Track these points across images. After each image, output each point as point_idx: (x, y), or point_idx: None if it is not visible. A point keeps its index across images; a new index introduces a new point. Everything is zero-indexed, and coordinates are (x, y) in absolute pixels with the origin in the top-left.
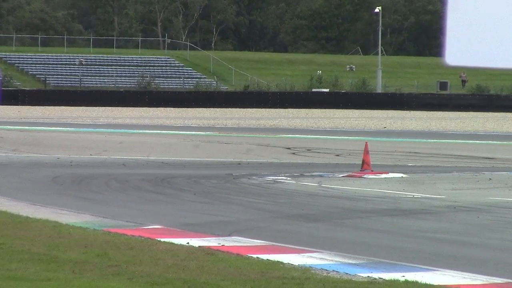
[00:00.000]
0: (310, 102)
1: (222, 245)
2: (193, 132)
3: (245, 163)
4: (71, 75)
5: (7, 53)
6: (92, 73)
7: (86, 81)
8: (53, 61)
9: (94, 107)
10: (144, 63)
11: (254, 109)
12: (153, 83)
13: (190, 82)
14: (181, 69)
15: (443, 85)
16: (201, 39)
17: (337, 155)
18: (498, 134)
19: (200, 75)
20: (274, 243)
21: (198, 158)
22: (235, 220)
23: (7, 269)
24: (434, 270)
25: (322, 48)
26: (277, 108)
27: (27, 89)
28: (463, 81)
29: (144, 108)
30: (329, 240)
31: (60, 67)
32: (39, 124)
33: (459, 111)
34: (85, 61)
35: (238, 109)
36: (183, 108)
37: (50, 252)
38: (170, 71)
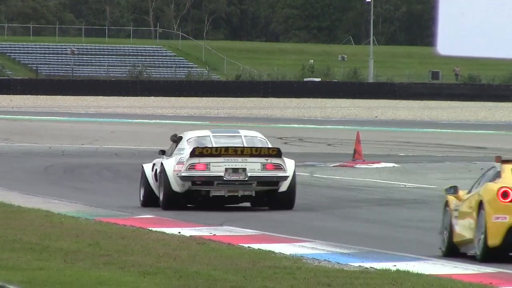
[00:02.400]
0: (302, 91)
1: (214, 234)
2: (185, 122)
3: None
4: (62, 64)
5: None
6: (83, 62)
7: (78, 70)
8: (45, 50)
9: (85, 97)
10: (136, 52)
11: (246, 99)
12: (144, 73)
13: (182, 71)
14: (172, 59)
15: (435, 75)
16: (193, 29)
17: (329, 145)
18: (490, 123)
19: (192, 64)
20: (265, 233)
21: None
22: (227, 210)
23: None
24: (426, 259)
25: (314, 37)
26: (268, 97)
27: (19, 78)
28: (457, 75)
29: (136, 98)
30: (321, 230)
31: (51, 56)
32: (31, 114)
33: (451, 100)
34: (76, 51)
35: (229, 98)
36: (175, 98)
37: (42, 241)
38: (161, 61)
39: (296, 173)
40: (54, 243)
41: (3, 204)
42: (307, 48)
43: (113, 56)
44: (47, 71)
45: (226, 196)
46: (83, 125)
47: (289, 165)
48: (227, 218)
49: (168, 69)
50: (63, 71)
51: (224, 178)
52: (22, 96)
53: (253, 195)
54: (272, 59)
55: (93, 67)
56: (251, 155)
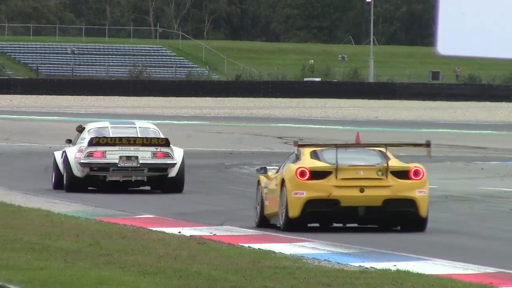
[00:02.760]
0: (302, 91)
1: (214, 234)
2: (185, 122)
3: (236, 153)
4: (63, 64)
5: None
6: (84, 62)
7: (78, 70)
8: (45, 50)
9: (86, 96)
10: (136, 52)
11: (246, 99)
12: (145, 72)
13: (182, 71)
14: (173, 59)
15: (435, 75)
16: (193, 28)
17: None
18: (490, 123)
19: (192, 64)
20: (265, 233)
21: (190, 147)
22: (227, 209)
23: None
24: (426, 259)
25: (314, 37)
26: (269, 97)
27: (19, 78)
28: (457, 76)
29: (136, 98)
30: (321, 230)
31: (52, 56)
32: (31, 113)
33: (451, 100)
34: (77, 50)
35: (230, 98)
36: (175, 98)
37: (42, 241)
38: (162, 61)
39: None
40: (54, 242)
41: (3, 203)
42: (307, 48)
43: (113, 56)
44: (48, 71)
45: (121, 180)
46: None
47: (177, 153)
48: (227, 218)
49: (168, 69)
50: (63, 71)
51: (119, 165)
52: (22, 96)
53: (145, 180)
54: (272, 59)
55: (93, 66)
56: (143, 145)
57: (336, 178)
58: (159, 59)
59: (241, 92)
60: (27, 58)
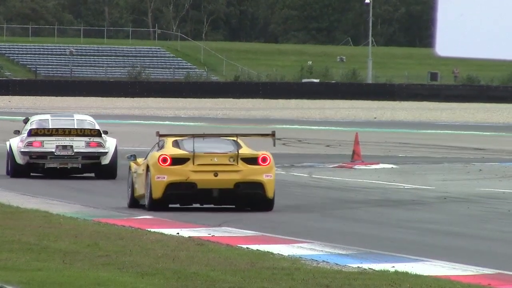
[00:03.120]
0: (301, 92)
1: (212, 235)
2: (184, 123)
3: None
4: (61, 65)
5: None
6: (82, 63)
7: (77, 71)
8: (44, 51)
9: (84, 97)
10: (135, 53)
11: (245, 100)
12: (143, 74)
13: (181, 72)
14: (171, 60)
15: (433, 76)
16: (192, 30)
17: (328, 146)
18: (488, 125)
19: (191, 65)
20: (264, 234)
21: None
22: (225, 210)
23: None
24: (424, 260)
25: (313, 38)
26: (267, 98)
27: (18, 79)
28: (456, 77)
29: (135, 99)
30: (319, 231)
31: (50, 57)
32: (29, 114)
33: (449, 101)
34: (75, 51)
35: (228, 99)
36: (174, 99)
37: (41, 242)
38: (160, 62)
39: (293, 174)
40: (52, 243)
41: (1, 204)
42: (306, 49)
43: (112, 57)
44: (46, 71)
45: (58, 167)
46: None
47: (110, 143)
48: (225, 219)
49: (167, 70)
50: (62, 72)
51: (55, 153)
52: (21, 97)
53: (80, 167)
54: (271, 60)
55: (92, 68)
56: (77, 135)
57: (193, 164)
58: (158, 60)
59: (239, 93)
60: (25, 59)
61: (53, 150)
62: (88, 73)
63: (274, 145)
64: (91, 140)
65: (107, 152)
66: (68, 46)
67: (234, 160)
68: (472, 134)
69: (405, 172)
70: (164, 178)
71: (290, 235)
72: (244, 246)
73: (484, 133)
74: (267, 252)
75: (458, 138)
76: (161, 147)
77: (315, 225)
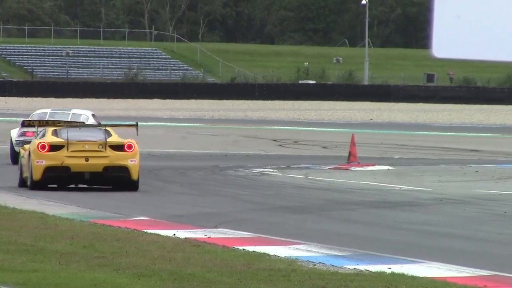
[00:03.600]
0: (297, 94)
1: (209, 236)
2: (180, 124)
3: (231, 155)
4: (58, 66)
5: None
6: (79, 64)
7: (73, 72)
8: (40, 52)
9: (81, 99)
10: (131, 54)
11: (241, 101)
12: (140, 75)
13: (177, 73)
14: (168, 61)
15: (430, 77)
16: (188, 31)
17: (324, 147)
18: (484, 126)
19: (187, 66)
20: (260, 235)
21: (185, 149)
22: (222, 212)
23: None
24: (420, 262)
25: (309, 39)
26: (263, 100)
27: (14, 80)
28: (451, 79)
29: (131, 100)
30: (316, 232)
31: (47, 58)
32: (26, 116)
33: (446, 103)
34: (72, 52)
35: (225, 100)
36: (170, 100)
37: (37, 243)
38: (157, 63)
39: (290, 175)
40: (49, 245)
41: None
42: (302, 50)
43: (108, 58)
44: (43, 73)
45: None
46: None
47: None
48: (222, 220)
49: (163, 71)
50: (58, 73)
51: None
52: (17, 98)
53: None
54: (267, 61)
55: (88, 69)
56: (66, 127)
57: (68, 150)
58: (154, 62)
59: (236, 95)
60: (22, 60)
61: None
62: (85, 74)
63: (137, 134)
64: None
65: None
66: (64, 47)
67: (103, 147)
68: (468, 136)
69: (401, 173)
70: (42, 162)
71: (286, 237)
72: (241, 248)
73: (481, 134)
74: (264, 253)
75: (455, 139)
76: (42, 135)
77: (311, 226)
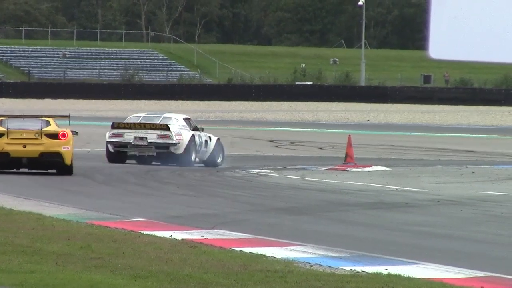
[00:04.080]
0: (294, 95)
1: (205, 238)
2: None
3: (228, 156)
4: (55, 67)
5: None
6: (75, 65)
7: (70, 73)
8: (37, 53)
9: (77, 100)
10: (128, 55)
11: (238, 102)
12: (136, 76)
13: (174, 75)
14: (164, 62)
15: (426, 79)
16: (185, 32)
17: (321, 148)
18: (481, 127)
19: (184, 67)
20: (257, 236)
21: None
22: (218, 213)
23: None
24: (417, 263)
25: (306, 41)
26: (260, 101)
27: (11, 81)
28: (447, 81)
29: (128, 101)
30: (312, 233)
31: (44, 59)
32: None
33: (442, 104)
34: (68, 54)
35: (221, 102)
36: (167, 101)
37: (34, 244)
38: (153, 64)
39: (286, 176)
40: (45, 246)
41: None
42: (299, 51)
43: (105, 59)
44: (39, 74)
45: (138, 155)
46: (75, 128)
47: (184, 135)
48: (218, 222)
49: (160, 72)
50: (55, 74)
51: (133, 143)
52: (14, 99)
53: (155, 155)
54: (264, 62)
55: (85, 70)
56: (150, 129)
57: (7, 137)
58: (151, 63)
59: (232, 96)
60: (19, 61)
61: (131, 140)
62: (82, 75)
63: (69, 124)
64: (162, 133)
65: (175, 144)
66: (61, 49)
67: (39, 135)
68: (465, 137)
69: (398, 174)
70: None
71: (283, 238)
72: (237, 249)
73: (477, 135)
74: (260, 254)
75: (451, 140)
76: None
77: (308, 227)
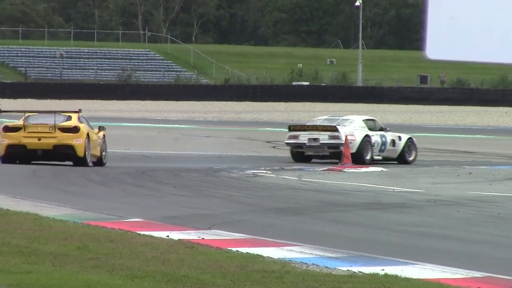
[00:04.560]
0: (290, 95)
1: (202, 238)
2: (174, 125)
3: (225, 157)
4: (51, 68)
5: None
6: (72, 66)
7: (67, 74)
8: (34, 53)
9: (74, 100)
10: (125, 56)
11: (235, 102)
12: (133, 76)
13: (171, 75)
14: (161, 62)
15: (423, 79)
16: (182, 32)
17: None
18: (478, 128)
19: (181, 68)
20: (254, 237)
21: (179, 151)
22: (215, 213)
23: None
24: (414, 263)
25: (303, 41)
26: (257, 101)
27: (8, 81)
28: (442, 82)
29: (125, 101)
30: (309, 234)
31: (41, 59)
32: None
33: (439, 104)
34: (65, 54)
35: (218, 102)
36: (164, 101)
37: (30, 244)
38: (150, 64)
39: (283, 177)
40: (42, 246)
41: None
42: (296, 52)
43: (102, 60)
44: (36, 74)
45: (313, 154)
46: None
47: (351, 136)
48: (215, 222)
49: (156, 72)
50: (52, 75)
51: (307, 144)
52: (11, 99)
53: (328, 154)
54: (261, 62)
55: (82, 70)
56: (322, 130)
57: (24, 131)
58: (148, 63)
59: (229, 96)
60: (15, 61)
61: (306, 141)
62: (78, 75)
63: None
64: (332, 134)
65: (343, 143)
66: (58, 49)
67: (53, 129)
68: (462, 137)
69: (395, 175)
70: (5, 141)
71: (279, 238)
72: (234, 249)
73: (474, 136)
74: (257, 255)
75: (448, 141)
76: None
77: (305, 228)
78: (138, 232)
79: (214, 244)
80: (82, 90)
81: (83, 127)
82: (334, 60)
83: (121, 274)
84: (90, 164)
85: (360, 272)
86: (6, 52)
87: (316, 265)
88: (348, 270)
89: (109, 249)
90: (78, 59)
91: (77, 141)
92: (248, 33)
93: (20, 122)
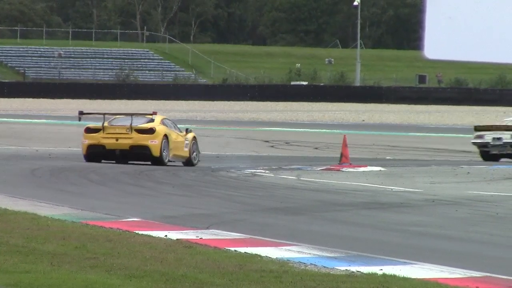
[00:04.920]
0: (289, 95)
1: (200, 238)
2: None
3: (223, 156)
4: (50, 67)
5: None
6: (71, 65)
7: (65, 73)
8: (32, 53)
9: (72, 99)
10: (123, 55)
11: (233, 102)
12: (131, 76)
13: (169, 75)
14: (159, 62)
15: (422, 79)
16: (180, 32)
17: (316, 148)
18: None
19: (179, 67)
20: (252, 236)
21: None
22: (213, 213)
23: None
24: (412, 263)
25: (301, 41)
26: (255, 101)
27: (6, 81)
28: (439, 81)
29: (123, 101)
30: (307, 233)
31: (39, 59)
32: (18, 117)
33: (437, 104)
34: (64, 54)
35: (216, 102)
36: (162, 101)
37: (29, 244)
38: (148, 64)
39: (281, 176)
40: (40, 245)
41: None
42: (294, 51)
43: (100, 59)
44: (35, 74)
45: (498, 153)
46: (70, 128)
47: None
48: (214, 222)
49: (155, 72)
50: (50, 74)
51: (491, 143)
52: (9, 99)
53: (511, 152)
54: (259, 62)
55: (80, 70)
56: (505, 130)
57: (103, 132)
58: (146, 63)
59: (227, 96)
60: (14, 61)
61: (490, 141)
62: (77, 75)
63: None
64: None
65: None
66: (56, 48)
67: (129, 131)
68: (460, 137)
69: (393, 174)
70: (86, 141)
71: (278, 238)
72: (232, 249)
73: (472, 135)
74: (255, 254)
75: (446, 140)
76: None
77: (303, 227)
78: (136, 231)
79: (212, 244)
80: (80, 89)
81: (160, 128)
82: (332, 59)
83: (119, 273)
84: (169, 164)
85: (358, 271)
86: (4, 51)
87: (314, 264)
88: (346, 269)
89: (107, 248)
90: (76, 59)
91: (152, 141)
92: (246, 32)
93: (104, 123)
